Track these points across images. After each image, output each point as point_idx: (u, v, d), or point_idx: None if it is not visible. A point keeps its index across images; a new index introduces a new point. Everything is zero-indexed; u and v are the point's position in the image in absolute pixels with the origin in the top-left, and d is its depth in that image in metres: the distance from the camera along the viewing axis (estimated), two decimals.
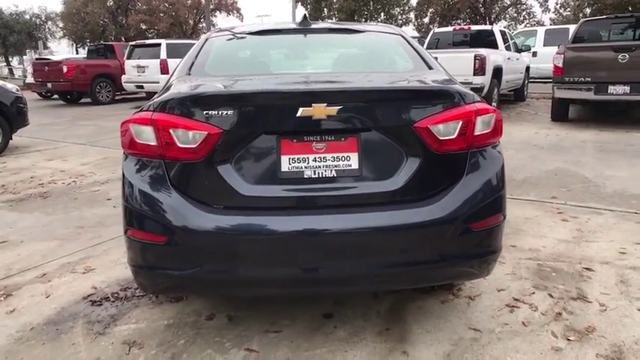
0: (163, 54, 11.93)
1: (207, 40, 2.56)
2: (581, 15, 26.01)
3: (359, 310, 2.34)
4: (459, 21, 33.04)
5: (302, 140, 1.79)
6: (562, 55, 7.65)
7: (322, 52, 2.65)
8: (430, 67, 2.25)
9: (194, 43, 2.64)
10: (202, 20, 34.90)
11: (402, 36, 2.66)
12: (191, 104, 1.77)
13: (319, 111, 1.71)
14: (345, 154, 1.80)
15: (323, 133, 1.79)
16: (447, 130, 1.81)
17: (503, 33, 10.81)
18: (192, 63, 2.27)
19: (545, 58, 12.56)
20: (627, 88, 7.20)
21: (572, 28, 12.95)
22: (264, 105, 1.78)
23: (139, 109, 1.96)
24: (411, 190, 1.81)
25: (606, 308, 2.35)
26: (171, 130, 1.75)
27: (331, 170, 1.79)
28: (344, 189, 1.80)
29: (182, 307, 2.40)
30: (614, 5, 23.77)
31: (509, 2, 32.32)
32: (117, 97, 14.42)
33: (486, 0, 31.89)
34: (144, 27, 34.76)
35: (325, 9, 33.19)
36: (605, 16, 9.67)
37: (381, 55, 2.50)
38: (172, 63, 11.84)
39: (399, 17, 34.28)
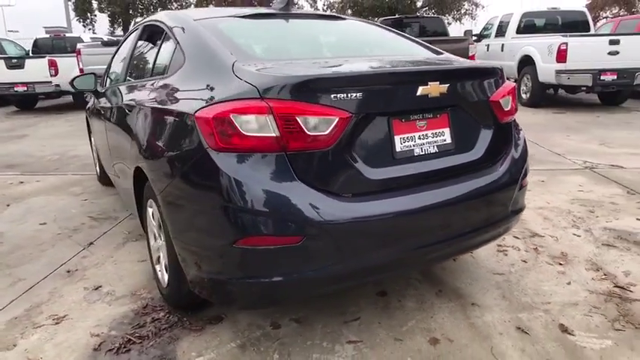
0: None
1: (199, 23, 2.23)
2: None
3: (401, 283, 2.47)
4: None
5: (408, 119, 1.83)
6: None
7: (337, 37, 2.58)
8: (440, 52, 2.49)
9: None
10: None
11: (377, 25, 2.82)
12: (317, 87, 1.60)
13: (435, 89, 1.79)
14: (441, 130, 1.91)
15: (424, 111, 1.86)
16: (507, 102, 2.09)
17: None
18: (227, 45, 1.97)
19: None
20: None
21: None
22: (387, 86, 1.74)
23: (211, 101, 1.67)
24: (487, 157, 2.04)
25: (556, 238, 3.02)
26: (298, 118, 1.57)
27: (433, 146, 1.89)
28: (445, 162, 1.91)
29: (233, 326, 2.11)
30: (370, 8, 28.02)
31: None
32: None
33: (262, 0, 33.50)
34: None
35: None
36: (396, 17, 11.45)
37: (390, 41, 2.60)
38: None
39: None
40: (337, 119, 1.61)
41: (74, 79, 3.73)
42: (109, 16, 31.99)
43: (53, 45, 12.14)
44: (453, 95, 1.91)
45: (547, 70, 8.50)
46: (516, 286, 2.42)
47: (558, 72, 8.26)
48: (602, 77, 8.10)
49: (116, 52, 3.73)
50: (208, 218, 1.67)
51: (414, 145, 1.84)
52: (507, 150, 2.14)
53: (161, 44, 2.45)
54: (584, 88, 8.45)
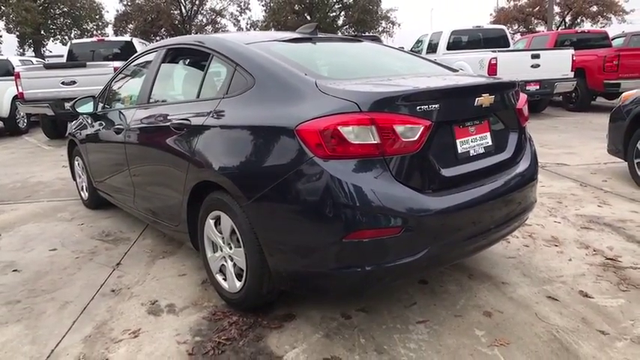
0: None
1: (252, 46, 2.44)
2: None
3: (435, 272, 2.79)
4: (157, 37, 33.19)
5: (464, 126, 2.17)
6: None
7: (376, 57, 2.87)
8: (456, 70, 2.88)
9: None
10: None
11: (389, 46, 3.18)
12: (407, 101, 1.90)
13: (487, 99, 2.15)
14: (484, 134, 2.28)
15: (473, 118, 2.22)
16: (525, 109, 2.52)
17: None
18: (295, 67, 2.20)
19: None
20: None
21: None
22: (455, 97, 2.08)
23: (308, 116, 1.89)
24: (515, 156, 2.44)
25: (542, 225, 3.53)
26: (394, 127, 1.85)
27: (481, 147, 2.25)
28: (490, 160, 2.27)
29: (308, 320, 2.31)
30: (293, 27, 28.95)
31: (205, 21, 34.54)
32: None
33: (185, 19, 33.20)
34: None
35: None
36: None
37: (416, 61, 2.94)
38: None
39: (95, 33, 31.70)
40: (422, 127, 1.92)
41: (75, 102, 3.70)
42: (17, 37, 29.98)
43: None
44: (494, 104, 2.28)
45: None
46: (529, 266, 2.84)
47: None
48: (527, 87, 9.14)
49: (116, 76, 3.74)
50: (317, 218, 1.89)
51: (469, 147, 2.19)
52: (526, 149, 2.56)
53: (207, 66, 2.60)
54: None
